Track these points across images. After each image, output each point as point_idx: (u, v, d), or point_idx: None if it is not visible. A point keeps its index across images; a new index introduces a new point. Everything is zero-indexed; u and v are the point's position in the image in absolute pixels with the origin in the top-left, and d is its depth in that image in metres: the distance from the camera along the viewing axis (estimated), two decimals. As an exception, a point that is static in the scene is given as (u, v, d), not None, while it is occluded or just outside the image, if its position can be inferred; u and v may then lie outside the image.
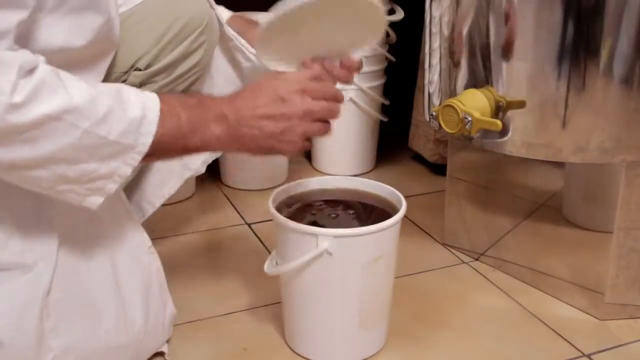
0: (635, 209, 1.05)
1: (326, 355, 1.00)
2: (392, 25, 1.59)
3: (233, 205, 1.51)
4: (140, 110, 0.78)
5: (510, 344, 1.05)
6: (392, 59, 1.63)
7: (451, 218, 1.32)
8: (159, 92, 1.01)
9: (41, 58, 0.74)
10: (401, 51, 1.65)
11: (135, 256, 0.94)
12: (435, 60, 1.14)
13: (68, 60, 0.76)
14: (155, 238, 0.99)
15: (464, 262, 1.28)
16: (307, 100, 0.86)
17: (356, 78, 1.55)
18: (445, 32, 1.10)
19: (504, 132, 1.03)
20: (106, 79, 0.94)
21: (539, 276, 1.19)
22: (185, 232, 1.38)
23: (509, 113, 1.03)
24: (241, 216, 1.46)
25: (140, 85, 1.02)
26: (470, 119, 1.01)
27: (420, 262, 1.27)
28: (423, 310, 1.13)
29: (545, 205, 1.30)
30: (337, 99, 0.89)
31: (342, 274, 0.94)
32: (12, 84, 0.71)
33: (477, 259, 1.29)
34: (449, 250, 1.33)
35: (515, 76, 1.01)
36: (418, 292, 1.19)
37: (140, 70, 1.02)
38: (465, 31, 1.06)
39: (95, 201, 0.80)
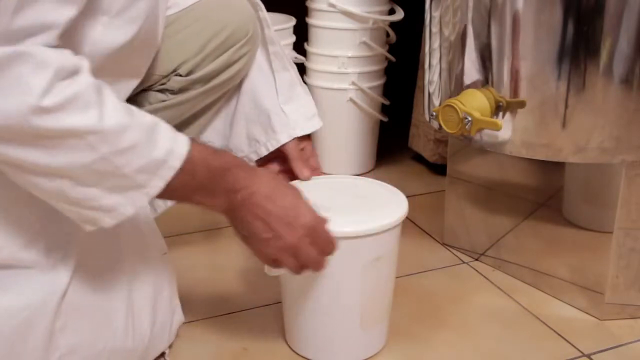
0: (635, 209, 1.05)
1: (326, 356, 1.00)
2: (392, 25, 1.59)
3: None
4: (165, 154, 0.76)
5: (510, 344, 1.05)
6: (392, 59, 1.63)
7: (451, 218, 1.32)
8: (194, 99, 1.00)
9: (85, 63, 0.72)
10: (401, 51, 1.65)
11: (149, 261, 0.94)
12: (435, 60, 1.14)
13: (109, 59, 0.75)
14: (155, 238, 0.99)
15: (464, 262, 1.28)
16: (303, 242, 0.87)
17: (356, 78, 1.57)
18: (445, 32, 1.10)
19: (503, 132, 1.04)
20: (146, 80, 0.93)
21: (539, 276, 1.19)
22: (185, 232, 1.38)
23: (509, 113, 1.03)
24: (241, 216, 1.45)
25: (179, 90, 1.00)
26: (470, 119, 1.01)
27: (420, 262, 1.27)
28: (423, 310, 1.13)
29: (545, 205, 1.29)
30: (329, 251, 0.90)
31: (342, 274, 0.94)
32: (46, 85, 0.68)
33: (477, 259, 1.29)
34: (449, 250, 1.33)
35: (515, 76, 1.01)
36: (418, 292, 1.19)
37: (181, 75, 1.00)
38: (465, 31, 1.06)
39: (89, 227, 0.79)
